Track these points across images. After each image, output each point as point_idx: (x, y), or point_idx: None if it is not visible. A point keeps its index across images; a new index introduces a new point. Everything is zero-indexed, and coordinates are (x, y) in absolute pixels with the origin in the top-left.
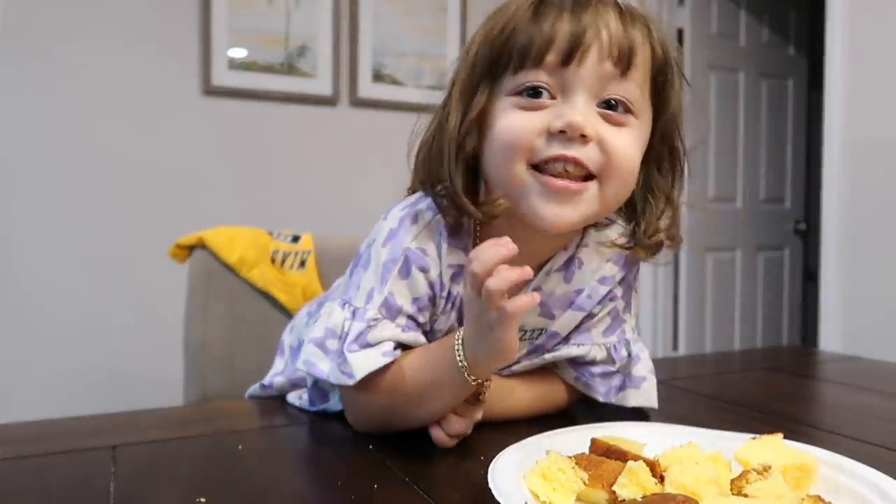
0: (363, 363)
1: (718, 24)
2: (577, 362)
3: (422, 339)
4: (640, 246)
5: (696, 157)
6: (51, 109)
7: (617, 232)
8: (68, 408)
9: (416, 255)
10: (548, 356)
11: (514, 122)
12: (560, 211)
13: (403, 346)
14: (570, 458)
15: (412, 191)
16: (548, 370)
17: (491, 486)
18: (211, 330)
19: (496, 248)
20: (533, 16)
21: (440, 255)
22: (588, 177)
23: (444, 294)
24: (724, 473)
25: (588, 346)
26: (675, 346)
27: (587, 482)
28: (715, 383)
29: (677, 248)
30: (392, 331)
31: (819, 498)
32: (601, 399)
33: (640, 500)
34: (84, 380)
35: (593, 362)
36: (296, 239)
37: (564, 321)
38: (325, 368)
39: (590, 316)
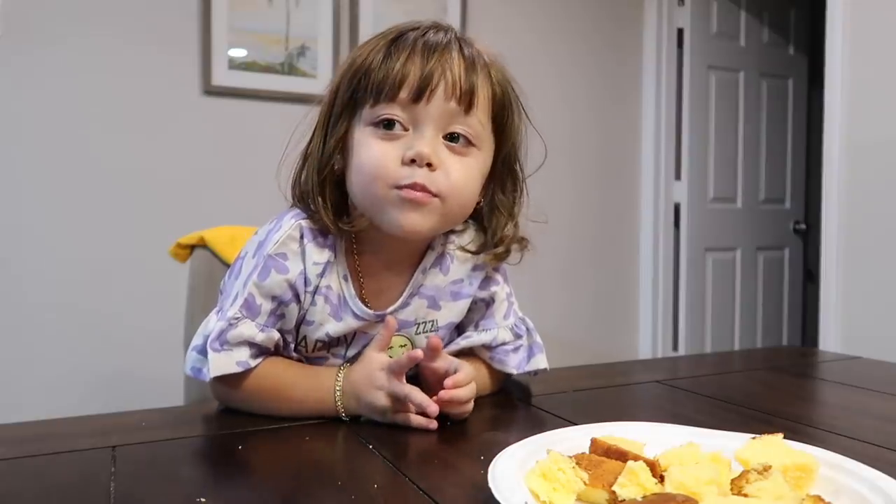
0: (219, 364)
1: (718, 24)
2: (491, 346)
3: (276, 336)
4: (490, 252)
5: (696, 157)
6: (51, 109)
7: (470, 237)
8: (68, 408)
9: (275, 260)
10: (462, 342)
11: (374, 153)
12: (414, 218)
13: (262, 352)
14: (570, 458)
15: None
16: (470, 356)
17: (491, 486)
18: None
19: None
20: (386, 55)
21: (303, 256)
22: (435, 196)
23: (311, 289)
24: (724, 473)
25: (495, 330)
26: (675, 346)
27: (587, 482)
28: (715, 383)
29: (525, 249)
30: (250, 330)
31: (819, 498)
32: (514, 372)
33: (640, 500)
34: (84, 380)
35: (504, 343)
36: None
37: (454, 310)
38: (205, 371)
39: (487, 304)
